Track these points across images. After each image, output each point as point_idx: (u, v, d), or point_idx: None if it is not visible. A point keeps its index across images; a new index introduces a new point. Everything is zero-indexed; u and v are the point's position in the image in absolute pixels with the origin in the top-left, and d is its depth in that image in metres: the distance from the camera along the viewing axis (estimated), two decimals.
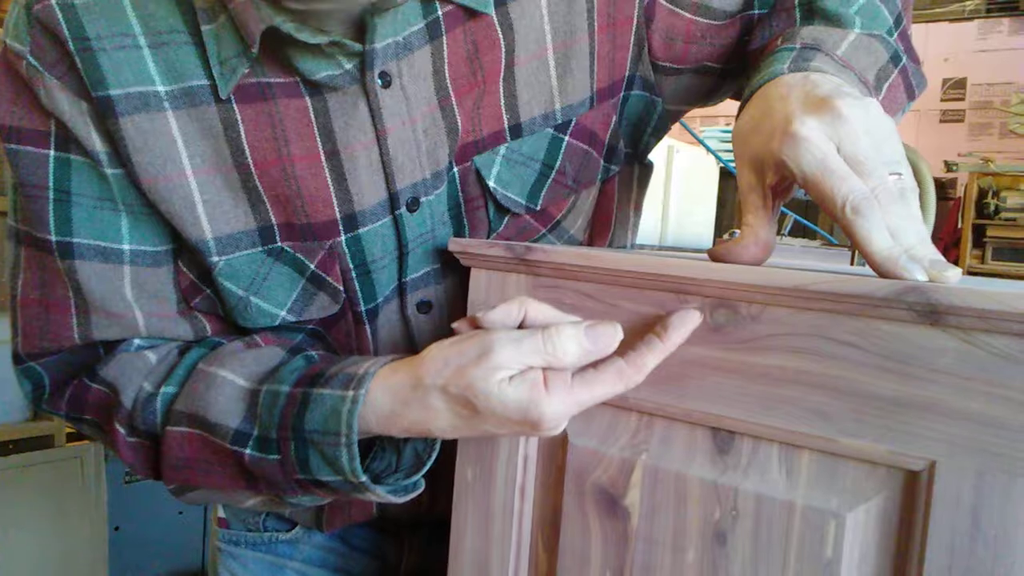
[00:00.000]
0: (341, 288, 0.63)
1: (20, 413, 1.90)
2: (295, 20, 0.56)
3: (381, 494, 0.56)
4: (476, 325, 0.53)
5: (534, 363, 0.50)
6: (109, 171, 0.60)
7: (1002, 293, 0.40)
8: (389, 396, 0.53)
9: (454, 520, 0.61)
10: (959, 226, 4.14)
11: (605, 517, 0.54)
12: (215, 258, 0.61)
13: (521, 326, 0.52)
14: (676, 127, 2.19)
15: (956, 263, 4.34)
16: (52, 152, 0.60)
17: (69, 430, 1.97)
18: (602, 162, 0.70)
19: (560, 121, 0.66)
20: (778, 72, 0.55)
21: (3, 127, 0.60)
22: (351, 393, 0.54)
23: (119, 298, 0.63)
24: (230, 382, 0.59)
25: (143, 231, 0.62)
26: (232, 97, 0.59)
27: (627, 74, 0.68)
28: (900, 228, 0.46)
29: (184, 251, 0.63)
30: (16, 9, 0.59)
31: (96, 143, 0.59)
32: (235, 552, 0.80)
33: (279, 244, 0.62)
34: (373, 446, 0.60)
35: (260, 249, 0.62)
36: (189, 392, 0.60)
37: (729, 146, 2.64)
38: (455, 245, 0.61)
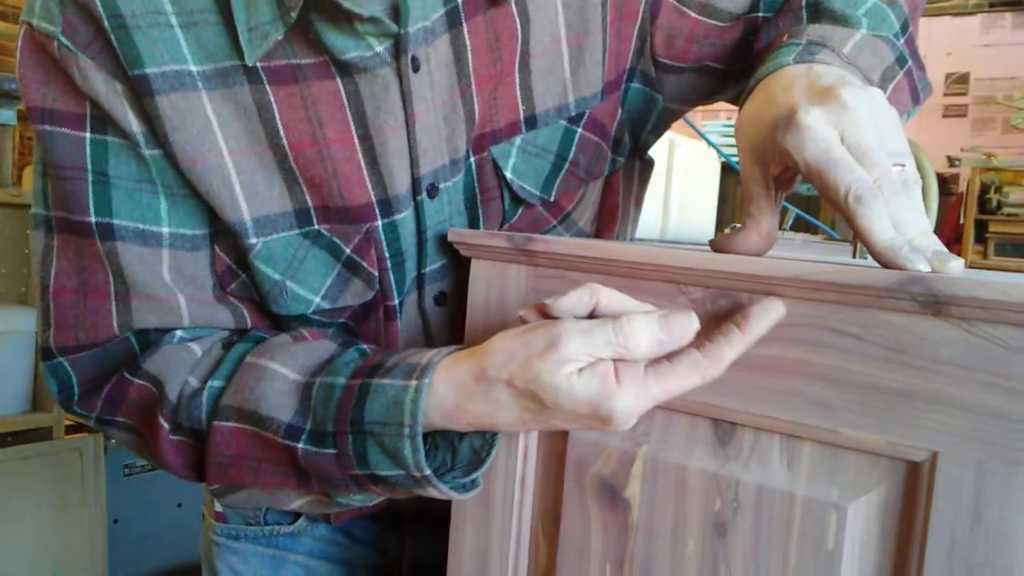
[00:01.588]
0: (376, 273, 0.63)
1: (19, 404, 1.91)
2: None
3: (444, 490, 0.54)
4: (544, 313, 0.50)
5: (604, 355, 0.47)
6: (147, 152, 0.59)
7: (1004, 283, 0.40)
8: (452, 388, 0.51)
9: (454, 512, 0.61)
10: (961, 222, 4.13)
11: (605, 508, 0.54)
12: (253, 240, 0.60)
13: (592, 315, 0.49)
14: (678, 121, 2.18)
15: None
16: (88, 134, 0.58)
17: (68, 422, 1.97)
18: (610, 154, 0.70)
19: (573, 113, 0.66)
20: (783, 63, 0.54)
21: (36, 109, 0.58)
22: (414, 383, 0.52)
23: (160, 283, 0.61)
24: (281, 375, 0.57)
25: (181, 214, 0.61)
26: (264, 77, 0.58)
27: (628, 66, 0.68)
28: (903, 219, 0.46)
29: (220, 235, 0.62)
30: None
31: (133, 124, 0.58)
32: (234, 546, 0.80)
33: (316, 227, 0.61)
34: (426, 442, 0.56)
35: (297, 232, 0.61)
36: (238, 386, 0.58)
37: (731, 141, 2.63)
38: (454, 235, 0.61)
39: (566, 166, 0.67)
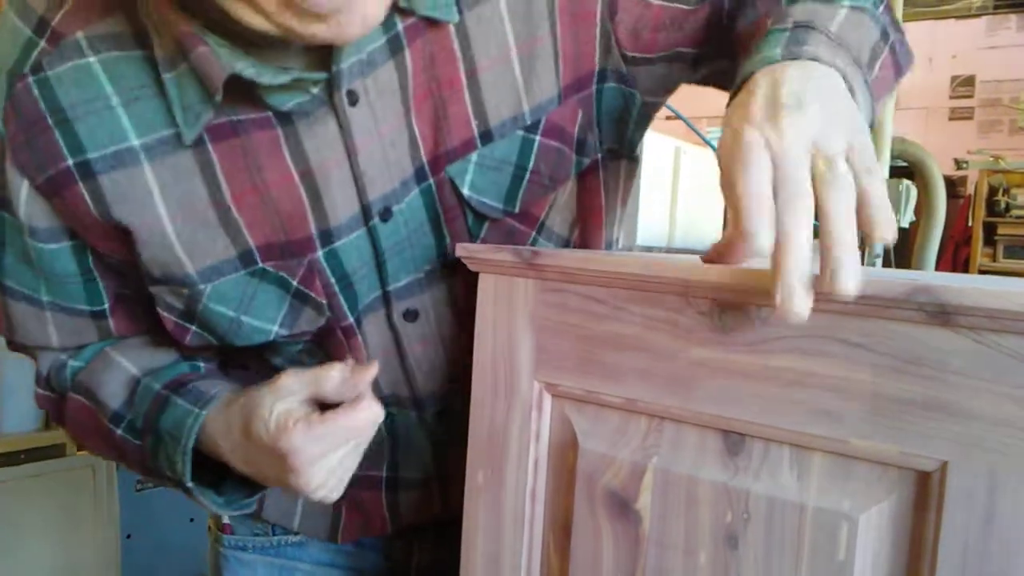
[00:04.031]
0: (324, 302, 0.65)
1: (31, 423, 1.92)
2: (255, 58, 0.57)
3: (205, 502, 0.66)
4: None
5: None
6: (41, 245, 0.64)
7: (1012, 293, 0.40)
8: (219, 424, 0.62)
9: (465, 523, 0.61)
10: (969, 224, 4.12)
11: (616, 521, 0.54)
12: (201, 286, 0.63)
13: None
14: (682, 128, 2.18)
15: (967, 261, 4.31)
16: None
17: None
18: (574, 156, 0.69)
19: (529, 122, 0.66)
20: (770, 58, 0.52)
21: None
22: (196, 410, 0.64)
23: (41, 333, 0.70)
24: (124, 368, 0.70)
25: (62, 295, 0.68)
26: (206, 138, 0.61)
27: (596, 68, 0.67)
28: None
29: (162, 294, 0.65)
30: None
31: (32, 219, 0.63)
32: (243, 558, 0.80)
33: (260, 265, 0.63)
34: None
35: (243, 272, 0.63)
36: (90, 369, 0.71)
37: None
38: (462, 251, 0.61)
39: (527, 175, 0.67)
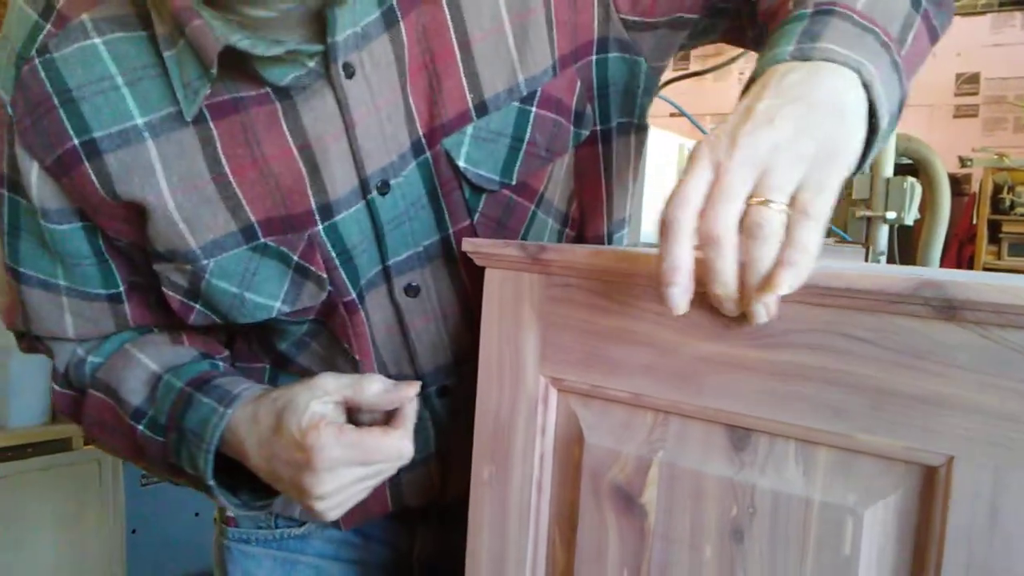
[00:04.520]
0: (325, 276, 0.65)
1: (38, 416, 1.92)
2: (250, 32, 0.57)
3: (223, 501, 0.67)
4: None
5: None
6: (53, 227, 0.65)
7: (1018, 288, 0.40)
8: (249, 414, 0.64)
9: (471, 517, 0.62)
10: (974, 222, 4.11)
11: (622, 515, 0.54)
12: (204, 261, 0.64)
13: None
14: (686, 125, 2.18)
15: (972, 259, 4.29)
16: (6, 192, 0.66)
17: None
18: (572, 128, 0.69)
19: (525, 93, 0.66)
20: (779, 57, 0.50)
21: None
22: (221, 409, 0.64)
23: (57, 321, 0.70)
24: (144, 365, 0.70)
25: (76, 279, 0.69)
26: (207, 115, 0.61)
27: (596, 37, 0.67)
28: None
29: (166, 273, 0.66)
30: (6, 53, 0.62)
31: (44, 201, 0.64)
32: (247, 550, 0.81)
33: (261, 240, 0.64)
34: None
35: (245, 247, 0.64)
36: (110, 366, 0.71)
37: None
38: (468, 245, 0.61)
39: (523, 147, 0.66)
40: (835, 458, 0.47)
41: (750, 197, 0.44)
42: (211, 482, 0.65)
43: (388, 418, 0.65)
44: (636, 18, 0.67)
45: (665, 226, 0.45)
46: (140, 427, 0.68)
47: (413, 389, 0.64)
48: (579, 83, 0.68)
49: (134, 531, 2.10)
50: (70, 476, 1.93)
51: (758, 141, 0.44)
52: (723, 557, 0.50)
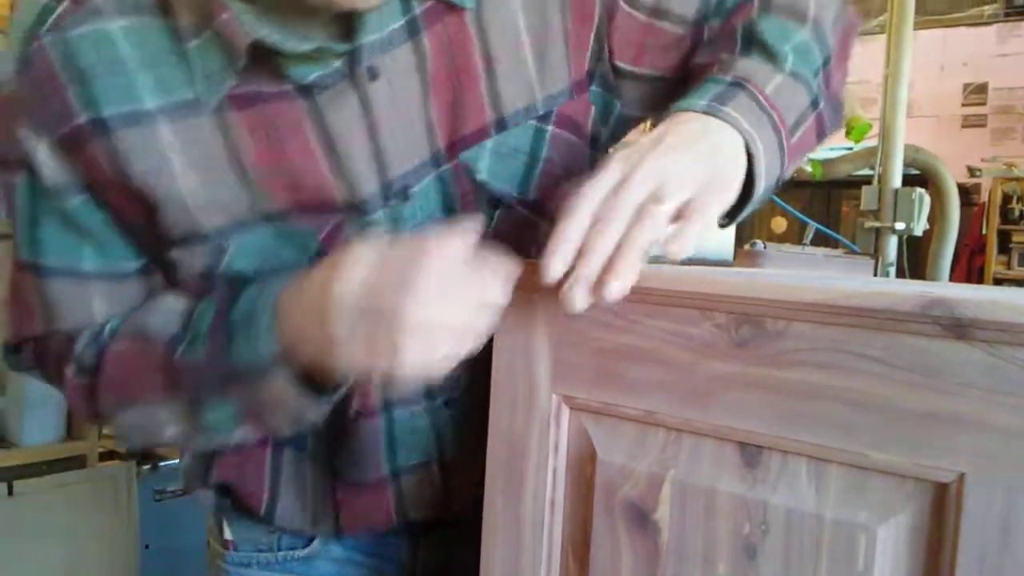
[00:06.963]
0: None
1: (54, 434, 1.93)
2: (279, 28, 0.58)
3: (291, 388, 0.58)
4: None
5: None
6: (68, 200, 0.64)
7: None
8: (302, 277, 0.58)
9: (485, 535, 0.62)
10: (983, 232, 4.10)
11: (635, 532, 0.55)
12: (223, 242, 0.64)
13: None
14: None
15: (982, 270, 4.27)
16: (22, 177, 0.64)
17: (102, 449, 1.99)
18: (589, 151, 0.71)
19: (541, 112, 0.67)
20: (693, 105, 0.59)
21: None
22: (269, 286, 0.60)
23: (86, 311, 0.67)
24: (174, 303, 0.65)
25: (107, 252, 0.66)
26: (226, 105, 0.61)
27: (587, 69, 0.69)
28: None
29: (185, 255, 0.65)
30: (18, 29, 0.62)
31: (54, 175, 0.63)
32: (246, 574, 0.80)
33: (284, 223, 0.64)
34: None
35: (266, 227, 0.64)
36: (133, 316, 0.66)
37: None
38: None
39: (540, 164, 0.68)
40: (847, 475, 0.47)
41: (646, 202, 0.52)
42: (277, 348, 0.57)
43: None
44: (625, 65, 0.70)
45: (565, 210, 0.52)
46: (179, 349, 0.62)
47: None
48: (593, 108, 0.70)
49: (147, 546, 2.11)
50: (84, 493, 1.94)
51: (663, 160, 0.54)
52: (736, 574, 0.51)
